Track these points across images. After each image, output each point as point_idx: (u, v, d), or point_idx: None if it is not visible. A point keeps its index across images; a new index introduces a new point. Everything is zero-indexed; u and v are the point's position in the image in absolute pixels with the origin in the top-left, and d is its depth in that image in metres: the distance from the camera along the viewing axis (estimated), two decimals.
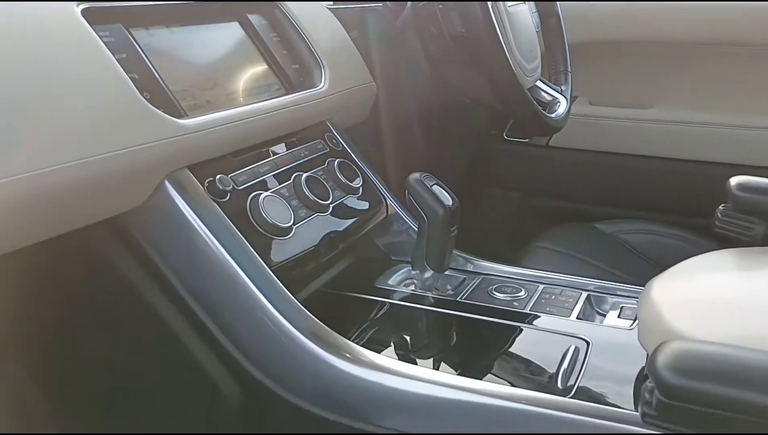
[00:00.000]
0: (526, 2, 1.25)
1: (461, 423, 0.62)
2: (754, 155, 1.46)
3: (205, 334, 0.71)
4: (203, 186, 0.72)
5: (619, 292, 0.85)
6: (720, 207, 0.85)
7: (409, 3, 1.09)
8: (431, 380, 0.65)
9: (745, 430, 0.45)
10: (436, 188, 0.84)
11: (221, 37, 0.88)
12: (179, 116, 0.72)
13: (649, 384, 0.50)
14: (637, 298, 0.83)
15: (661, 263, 1.34)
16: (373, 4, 1.12)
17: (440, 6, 1.05)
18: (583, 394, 0.64)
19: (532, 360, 0.71)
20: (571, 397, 0.63)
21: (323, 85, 0.96)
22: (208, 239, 0.71)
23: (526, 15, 1.22)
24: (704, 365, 0.48)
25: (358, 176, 0.93)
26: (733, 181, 0.83)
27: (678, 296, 0.65)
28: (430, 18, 1.07)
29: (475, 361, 0.72)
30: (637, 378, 0.68)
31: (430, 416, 0.64)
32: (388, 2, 1.11)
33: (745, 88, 1.45)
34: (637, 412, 0.52)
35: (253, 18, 0.94)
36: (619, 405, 0.61)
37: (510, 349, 0.74)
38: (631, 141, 1.57)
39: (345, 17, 1.07)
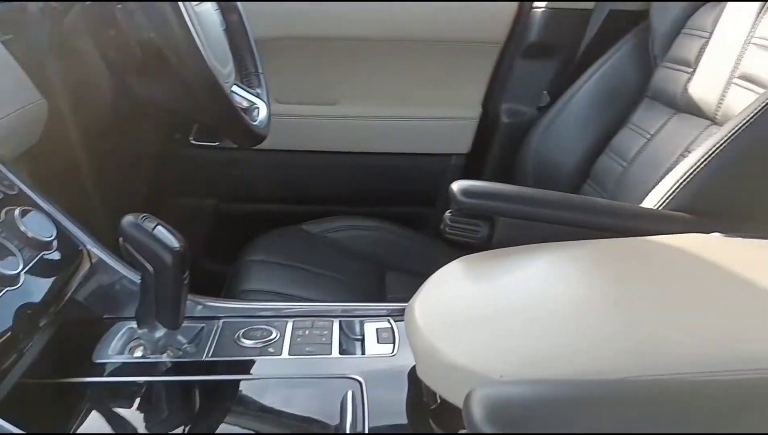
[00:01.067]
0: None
1: None
2: (433, 144, 1.58)
3: None
4: None
5: (369, 312, 0.82)
6: (447, 213, 0.87)
7: (77, 2, 0.90)
8: None
9: None
10: (159, 231, 0.70)
11: None
12: None
13: None
14: (386, 316, 0.82)
15: (370, 257, 1.37)
16: (30, 2, 0.90)
17: (119, 6, 0.88)
18: None
19: (310, 416, 0.64)
20: None
21: None
22: None
23: (211, 14, 1.11)
24: (523, 413, 0.47)
25: (49, 224, 0.74)
26: (455, 187, 0.86)
27: (445, 320, 0.64)
28: (107, 20, 0.90)
29: None
30: (411, 405, 0.65)
31: None
32: (51, 1, 0.90)
33: (421, 81, 1.54)
34: None
35: None
36: None
37: (280, 410, 0.65)
38: (321, 138, 1.57)
39: None
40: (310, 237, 1.39)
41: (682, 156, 1.09)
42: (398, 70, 1.53)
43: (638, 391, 0.49)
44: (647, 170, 1.16)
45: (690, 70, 1.18)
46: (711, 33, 1.16)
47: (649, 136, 1.21)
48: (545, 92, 1.48)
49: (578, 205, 0.88)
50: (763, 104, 0.87)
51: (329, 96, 1.56)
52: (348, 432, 0.60)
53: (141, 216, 0.70)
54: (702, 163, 0.87)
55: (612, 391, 0.49)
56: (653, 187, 1.11)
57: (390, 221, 1.48)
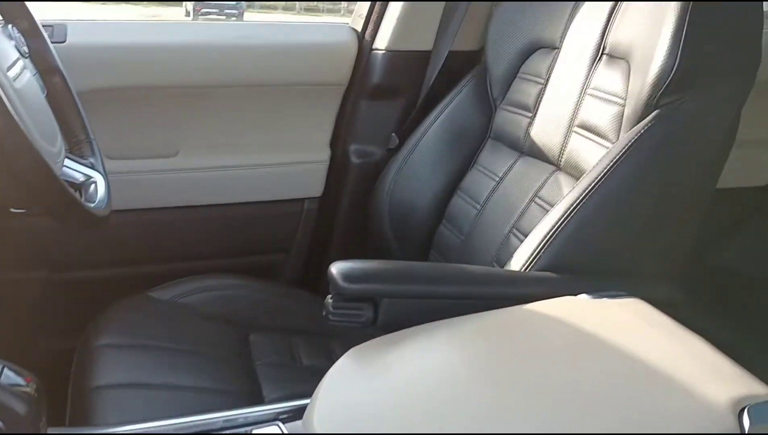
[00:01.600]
0: (24, 59, 1.00)
1: None
2: (284, 190, 1.53)
3: None
4: None
5: (253, 419, 0.77)
6: (328, 299, 0.83)
7: None
8: None
9: None
10: (6, 377, 0.60)
11: None
12: None
13: None
14: (273, 420, 0.77)
15: (229, 319, 1.28)
16: None
17: None
18: None
19: None
20: None
21: None
22: None
23: (32, 85, 0.98)
24: None
25: None
26: (334, 270, 0.83)
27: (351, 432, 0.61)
28: None
29: None
30: None
31: None
32: None
33: (266, 126, 1.48)
34: None
35: None
36: None
37: None
38: (162, 193, 1.46)
39: None
40: (159, 305, 1.28)
41: (533, 201, 1.14)
42: (241, 116, 1.46)
43: None
44: (501, 214, 1.20)
45: (529, 114, 1.24)
46: (546, 80, 1.23)
47: (498, 178, 1.26)
48: (393, 134, 1.49)
49: (455, 278, 0.88)
50: (613, 160, 0.93)
51: (168, 148, 1.46)
52: None
53: None
54: (562, 222, 0.91)
55: None
56: (509, 230, 1.16)
57: (245, 274, 1.41)
